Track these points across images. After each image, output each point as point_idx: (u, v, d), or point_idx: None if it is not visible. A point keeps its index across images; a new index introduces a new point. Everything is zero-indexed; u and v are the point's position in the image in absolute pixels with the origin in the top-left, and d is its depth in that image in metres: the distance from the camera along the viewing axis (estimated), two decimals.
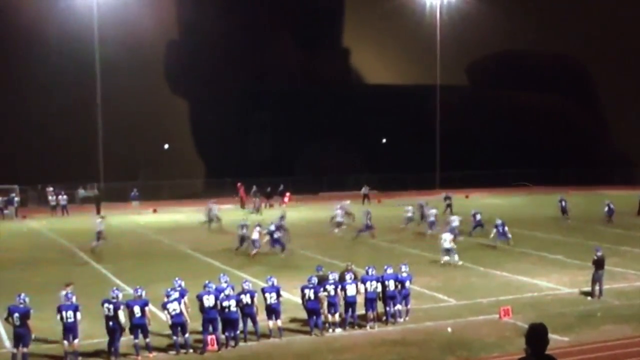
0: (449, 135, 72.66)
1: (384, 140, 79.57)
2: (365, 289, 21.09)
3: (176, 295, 19.60)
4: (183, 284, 20.87)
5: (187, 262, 32.70)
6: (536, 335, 8.20)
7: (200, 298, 19.58)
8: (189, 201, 60.06)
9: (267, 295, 20.22)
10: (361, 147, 72.51)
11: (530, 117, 74.48)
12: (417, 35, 73.07)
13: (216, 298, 19.54)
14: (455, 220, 36.48)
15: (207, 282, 20.21)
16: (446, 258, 30.48)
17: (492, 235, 35.08)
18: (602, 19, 72.81)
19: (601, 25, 72.45)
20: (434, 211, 40.25)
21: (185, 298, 20.00)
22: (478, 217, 38.79)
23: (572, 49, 74.35)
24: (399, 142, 75.37)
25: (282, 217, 37.23)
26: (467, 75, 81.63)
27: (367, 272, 21.58)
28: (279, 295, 20.33)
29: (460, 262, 30.44)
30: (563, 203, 44.44)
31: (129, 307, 19.04)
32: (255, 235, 33.48)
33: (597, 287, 24.25)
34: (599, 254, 24.47)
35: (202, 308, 19.52)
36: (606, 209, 42.91)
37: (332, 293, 20.70)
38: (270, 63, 72.39)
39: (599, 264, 24.25)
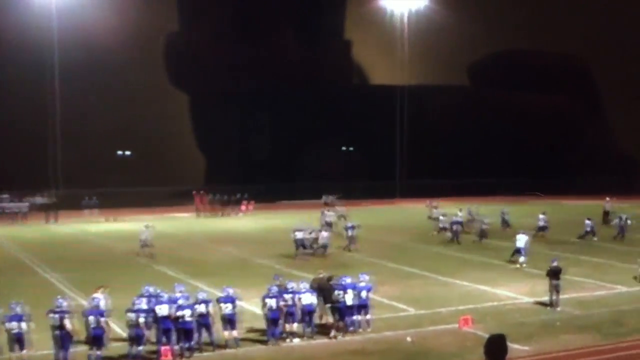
0: (416, 140, 72.79)
1: (344, 148, 79.87)
2: None
3: (143, 305, 19.39)
4: (152, 290, 20.56)
5: (142, 271, 32.22)
6: (495, 346, 8.23)
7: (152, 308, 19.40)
8: (147, 209, 59.34)
9: (222, 305, 20.07)
10: (327, 152, 72.63)
11: (513, 120, 75.12)
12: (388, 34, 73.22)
13: (170, 308, 19.37)
14: (541, 220, 40.99)
15: (158, 291, 20.22)
16: (521, 259, 32.00)
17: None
18: (605, 17, 73.42)
19: (604, 23, 73.03)
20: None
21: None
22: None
23: (574, 49, 74.96)
24: (364, 147, 75.38)
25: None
26: (468, 75, 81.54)
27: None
28: (234, 306, 20.19)
29: (525, 265, 31.77)
30: (505, 216, 45.17)
31: (85, 317, 18.80)
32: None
33: (554, 297, 24.44)
34: (554, 264, 24.54)
35: (156, 318, 19.32)
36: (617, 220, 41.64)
37: (290, 302, 20.65)
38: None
39: (553, 274, 24.31)
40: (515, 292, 27.10)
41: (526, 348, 19.81)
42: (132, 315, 19.12)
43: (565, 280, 25.99)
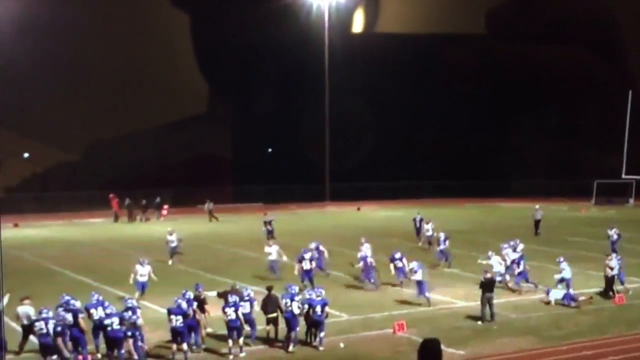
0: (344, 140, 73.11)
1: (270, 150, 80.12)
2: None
3: (49, 314, 19.51)
4: (76, 303, 20.57)
5: (55, 280, 32.09)
6: (429, 351, 8.34)
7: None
8: (56, 214, 58.44)
9: (173, 317, 20.05)
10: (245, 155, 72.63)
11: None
12: None
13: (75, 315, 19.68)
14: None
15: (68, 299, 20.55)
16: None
17: None
18: None
19: None
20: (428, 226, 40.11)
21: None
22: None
23: None
24: (286, 149, 75.42)
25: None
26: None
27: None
28: (185, 318, 20.15)
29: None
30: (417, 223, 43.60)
31: None
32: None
33: (487, 310, 23.99)
34: (487, 276, 24.59)
35: (70, 326, 19.51)
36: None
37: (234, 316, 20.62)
38: None
39: (486, 286, 24.07)
40: (450, 297, 27.65)
41: (461, 352, 20.26)
42: (40, 324, 19.22)
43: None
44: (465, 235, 44.45)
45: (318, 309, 21.06)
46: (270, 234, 42.80)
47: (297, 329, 21.03)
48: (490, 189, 73.41)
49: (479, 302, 24.65)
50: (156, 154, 72.39)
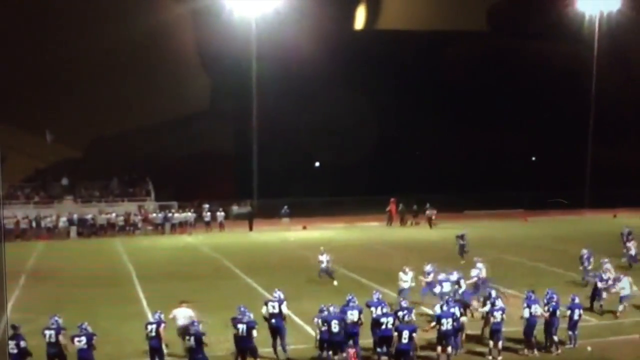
0: None
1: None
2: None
3: (332, 311, 20.96)
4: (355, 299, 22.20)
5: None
6: None
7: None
8: (339, 218, 61.36)
9: (443, 321, 20.88)
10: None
11: None
12: None
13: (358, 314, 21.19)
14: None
15: (350, 297, 22.04)
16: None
17: None
18: None
19: None
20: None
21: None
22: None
23: None
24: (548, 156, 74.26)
25: None
26: None
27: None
28: (454, 322, 21.03)
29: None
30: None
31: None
32: None
33: None
34: None
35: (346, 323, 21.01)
36: None
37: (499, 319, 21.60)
38: None
39: None
40: None
41: None
42: (319, 321, 20.71)
43: None
44: None
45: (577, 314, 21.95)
46: (462, 248, 38.81)
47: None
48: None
49: None
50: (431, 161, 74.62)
